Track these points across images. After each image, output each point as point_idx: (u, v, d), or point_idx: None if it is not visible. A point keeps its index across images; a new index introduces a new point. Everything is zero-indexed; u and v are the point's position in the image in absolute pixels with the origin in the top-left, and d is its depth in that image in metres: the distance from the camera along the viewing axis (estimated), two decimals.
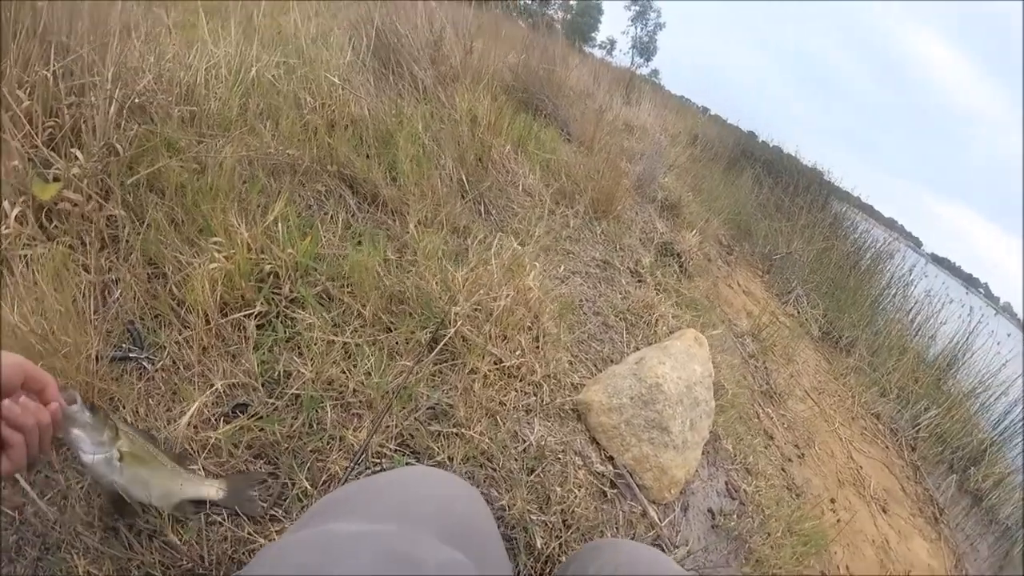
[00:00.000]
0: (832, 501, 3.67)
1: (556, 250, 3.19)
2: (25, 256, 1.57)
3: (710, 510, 2.42)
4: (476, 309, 2.20)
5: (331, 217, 2.46)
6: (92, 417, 1.03)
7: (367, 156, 2.91)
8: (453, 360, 2.06)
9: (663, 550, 2.02)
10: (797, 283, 6.58)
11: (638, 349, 2.62)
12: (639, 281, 3.48)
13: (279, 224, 2.07)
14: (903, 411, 5.48)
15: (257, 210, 2.12)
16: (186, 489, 1.27)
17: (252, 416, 1.58)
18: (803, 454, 3.81)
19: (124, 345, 1.62)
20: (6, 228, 1.59)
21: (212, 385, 1.60)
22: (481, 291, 2.22)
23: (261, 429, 1.56)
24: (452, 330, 2.06)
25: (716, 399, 2.97)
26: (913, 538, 4.04)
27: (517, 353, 2.20)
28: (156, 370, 1.59)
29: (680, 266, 4.18)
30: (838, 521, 3.58)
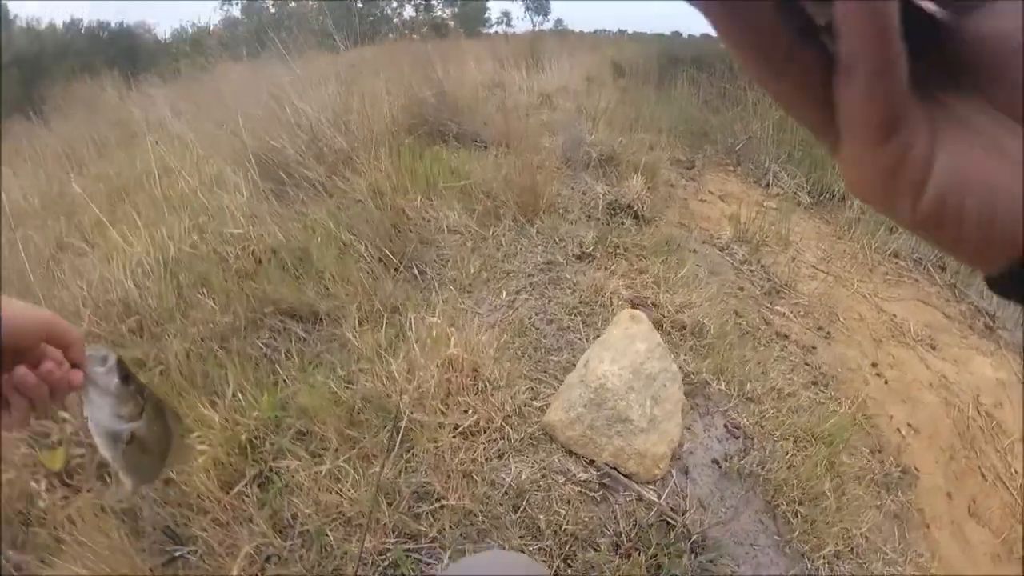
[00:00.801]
0: (874, 365, 3.64)
1: (496, 277, 3.20)
2: (68, 516, 1.85)
3: (714, 460, 2.43)
4: (420, 391, 2.26)
5: (285, 354, 2.56)
6: (119, 386, 0.90)
7: (296, 278, 2.98)
8: (416, 444, 2.17)
9: (671, 524, 2.07)
10: (768, 162, 6.50)
11: (599, 336, 2.63)
12: (588, 262, 3.47)
13: (240, 395, 2.26)
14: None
15: (220, 385, 2.31)
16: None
17: (278, 562, 1.83)
18: (828, 333, 3.77)
19: (168, 548, 1.87)
20: (42, 503, 1.90)
21: (241, 550, 1.82)
22: (419, 373, 2.29)
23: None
24: (403, 421, 2.16)
25: (701, 340, 2.97)
26: (972, 360, 3.98)
27: (469, 412, 2.27)
28: (198, 558, 1.84)
29: (635, 216, 4.15)
30: (886, 382, 3.55)
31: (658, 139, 6.74)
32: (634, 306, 3.03)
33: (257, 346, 2.63)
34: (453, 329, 2.46)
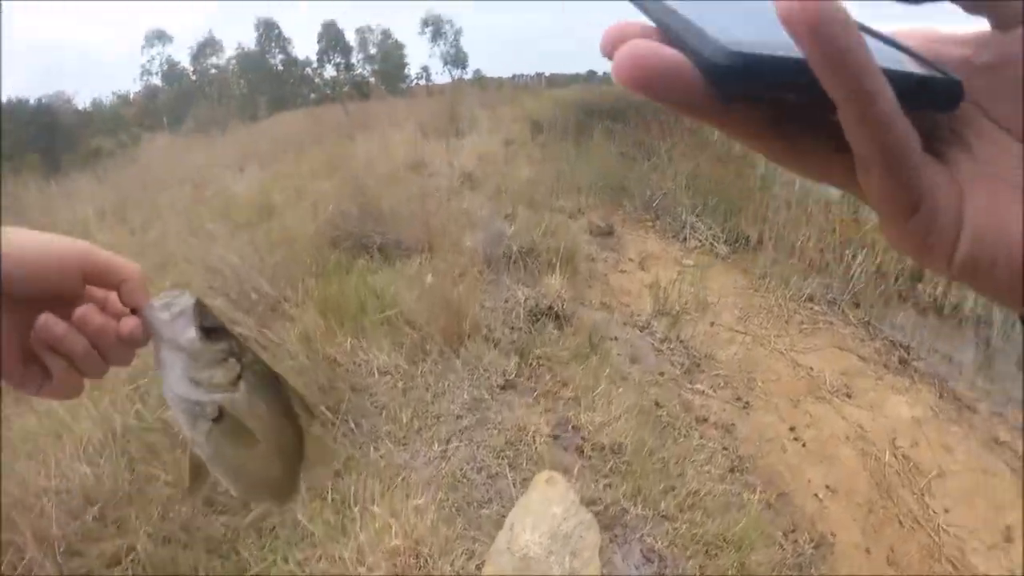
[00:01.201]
0: (791, 429, 3.88)
1: (427, 424, 3.38)
2: None
3: None
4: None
5: (243, 532, 2.67)
6: (198, 341, 0.63)
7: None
8: None
9: None
10: (685, 214, 6.79)
11: (526, 481, 2.84)
12: (513, 391, 3.67)
13: None
14: (833, 273, 5.71)
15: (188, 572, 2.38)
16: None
17: None
18: (747, 403, 4.02)
19: None
20: None
21: None
22: (368, 558, 2.46)
23: None
24: None
25: (621, 457, 3.19)
26: (887, 402, 4.24)
27: None
28: None
29: (556, 317, 4.36)
30: (804, 445, 3.80)
31: (578, 202, 7.00)
32: (555, 438, 3.25)
33: (216, 526, 2.74)
34: (393, 519, 2.61)
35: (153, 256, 5.41)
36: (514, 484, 2.98)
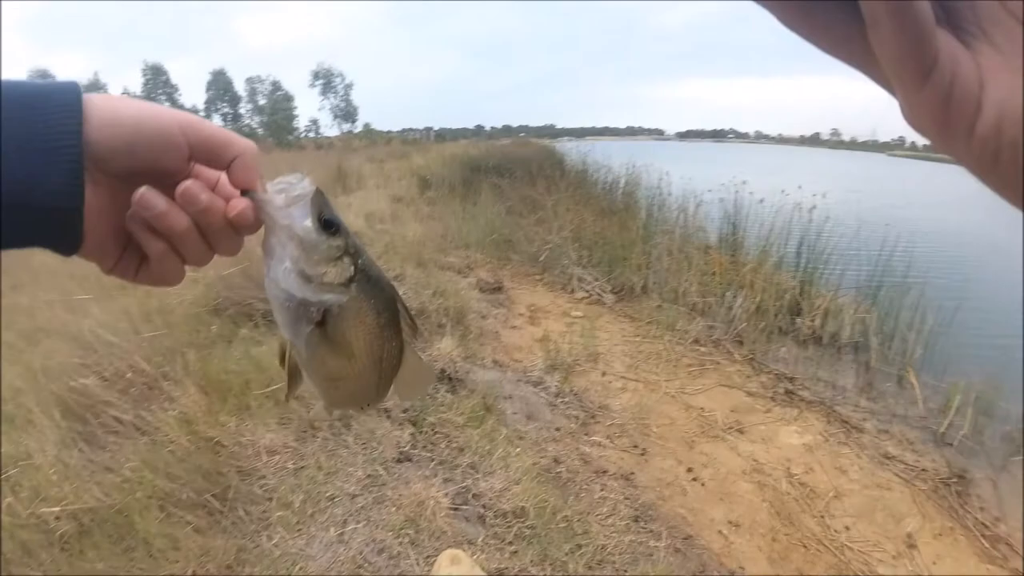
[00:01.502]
0: (689, 471, 3.94)
1: (321, 508, 3.27)
2: None
3: None
4: None
5: None
6: (314, 231, 0.57)
7: (123, 548, 2.93)
8: None
9: None
10: (571, 265, 6.90)
11: (430, 559, 2.77)
12: (409, 463, 3.60)
13: None
14: (715, 314, 5.90)
15: None
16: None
17: None
18: (644, 450, 4.06)
19: None
20: None
21: None
22: None
23: None
24: None
25: (525, 521, 3.16)
26: (778, 434, 4.38)
27: None
28: None
29: (449, 380, 4.32)
30: (703, 485, 3.86)
31: (467, 258, 7.03)
32: (455, 509, 3.19)
33: None
34: None
35: (23, 323, 5.12)
36: (418, 563, 2.91)
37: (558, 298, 6.48)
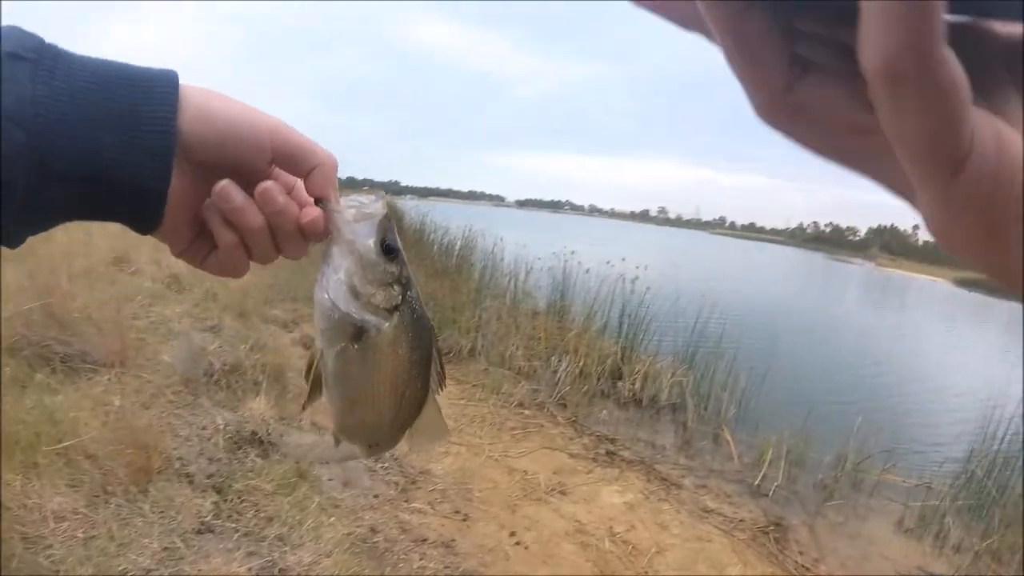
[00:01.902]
0: (512, 535, 3.88)
1: None
2: None
3: None
4: None
5: None
6: (375, 251, 0.59)
7: None
8: None
9: None
10: None
11: None
12: (211, 535, 3.33)
13: None
14: (540, 378, 5.95)
15: None
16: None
17: None
18: (466, 515, 3.97)
19: None
20: None
21: None
22: None
23: None
24: None
25: None
26: (600, 494, 4.40)
27: None
28: None
29: (260, 444, 4.07)
30: (526, 548, 3.81)
31: (293, 311, 6.78)
32: None
33: None
34: None
35: None
36: None
37: None
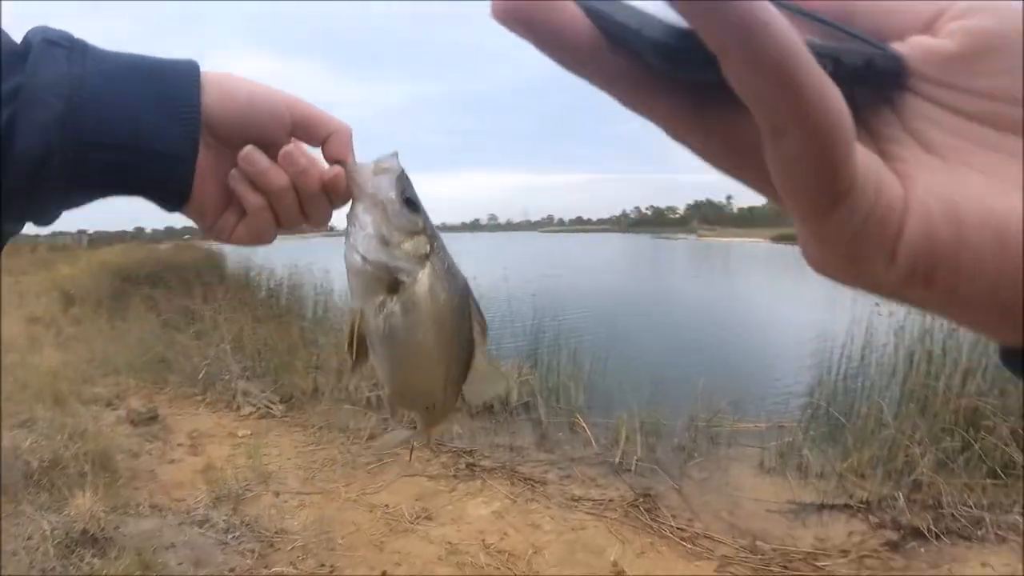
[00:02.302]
0: (384, 574, 3.74)
1: None
2: None
3: None
4: None
5: None
6: (399, 204, 0.59)
7: None
8: None
9: None
10: (234, 379, 6.47)
11: None
12: None
13: None
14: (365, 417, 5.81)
15: None
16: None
17: None
18: (333, 567, 3.78)
19: None
20: None
21: None
22: None
23: None
24: None
25: None
26: (466, 509, 4.38)
27: None
28: None
29: (95, 542, 3.71)
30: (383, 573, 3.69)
31: (116, 386, 6.36)
32: None
33: None
34: None
35: None
36: None
37: (223, 418, 5.99)
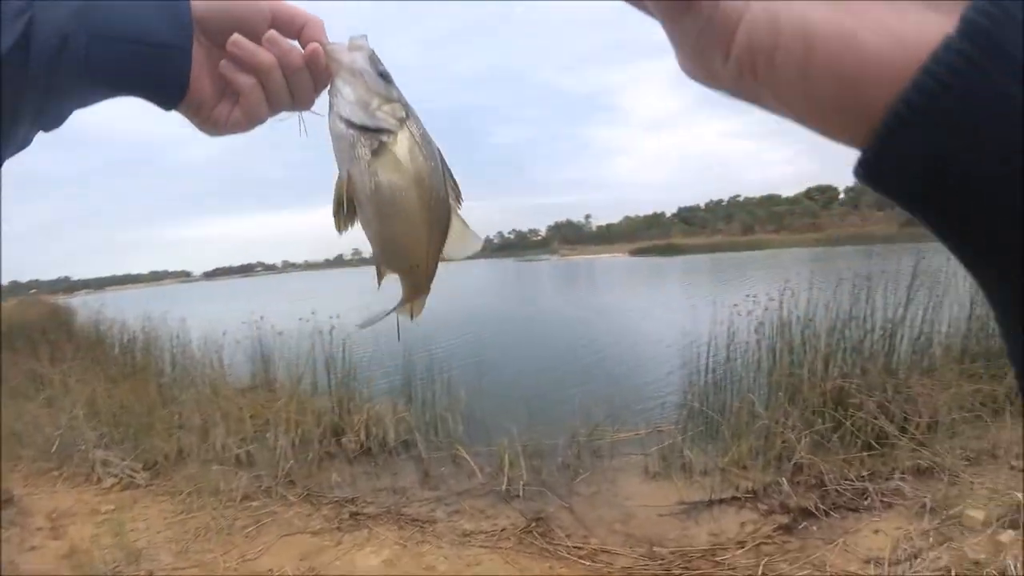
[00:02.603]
0: None
1: None
2: None
3: None
4: None
5: None
6: (378, 77, 0.64)
7: None
8: None
9: None
10: (92, 449, 6.05)
11: None
12: None
13: None
14: (260, 460, 5.57)
15: None
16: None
17: None
18: None
19: None
20: None
21: None
22: None
23: None
24: None
25: None
26: (355, 561, 4.22)
27: None
28: None
29: None
30: None
31: None
32: None
33: None
34: None
35: None
36: None
37: (84, 493, 5.56)
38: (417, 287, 0.73)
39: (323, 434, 5.95)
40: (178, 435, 6.17)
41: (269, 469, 5.32)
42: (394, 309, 0.77)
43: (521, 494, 4.87)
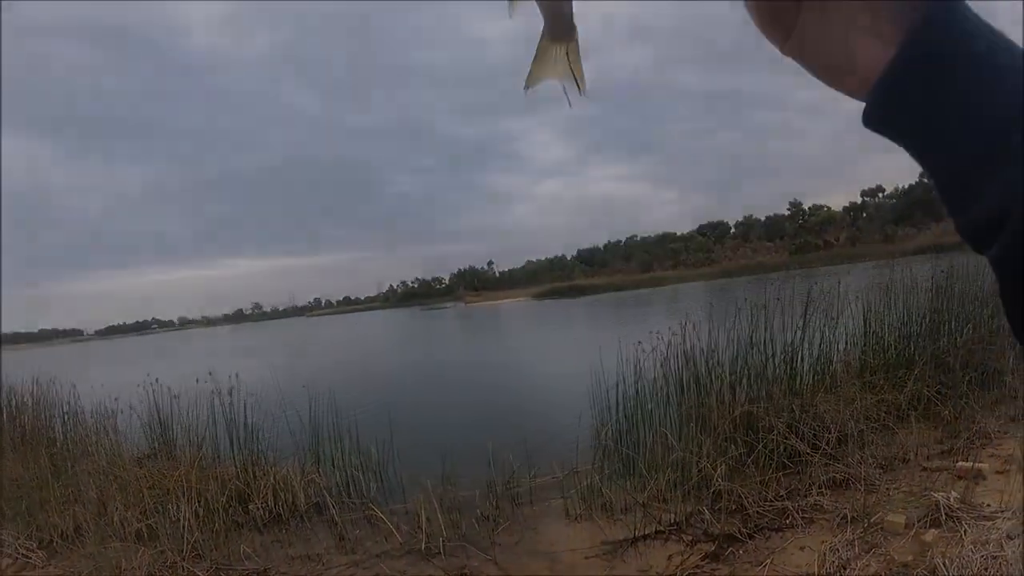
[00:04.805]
0: None
1: None
2: None
3: None
4: None
5: None
6: None
7: None
8: None
9: None
10: None
11: None
12: None
13: None
14: (163, 533, 5.27)
15: None
16: None
17: None
18: None
19: None
20: None
21: None
22: None
23: None
24: None
25: None
26: None
27: None
28: None
29: None
30: None
31: None
32: None
33: None
34: None
35: None
36: None
37: None
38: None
39: (228, 502, 5.67)
40: (73, 509, 5.77)
41: (173, 543, 5.02)
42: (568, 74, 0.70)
43: (442, 551, 4.75)
